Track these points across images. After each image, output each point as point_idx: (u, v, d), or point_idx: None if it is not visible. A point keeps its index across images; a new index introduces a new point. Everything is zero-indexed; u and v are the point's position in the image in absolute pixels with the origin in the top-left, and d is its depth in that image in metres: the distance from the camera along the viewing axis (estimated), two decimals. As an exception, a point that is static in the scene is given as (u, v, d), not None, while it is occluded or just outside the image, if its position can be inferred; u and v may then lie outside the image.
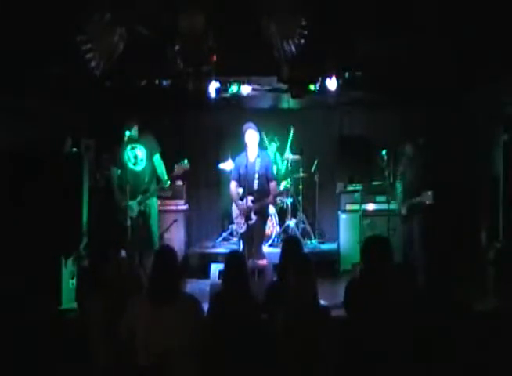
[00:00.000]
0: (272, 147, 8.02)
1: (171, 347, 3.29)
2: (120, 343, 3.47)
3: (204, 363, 3.48)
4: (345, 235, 7.35)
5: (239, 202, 6.13)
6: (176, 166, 5.91)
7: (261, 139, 6.44)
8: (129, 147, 5.99)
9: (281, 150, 8.08)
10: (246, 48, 5.63)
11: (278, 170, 7.92)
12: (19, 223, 5.40)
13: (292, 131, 8.05)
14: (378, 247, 3.75)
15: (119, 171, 6.01)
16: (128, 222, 5.81)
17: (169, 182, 6.07)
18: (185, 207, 7.64)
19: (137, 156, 6.04)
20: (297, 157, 7.93)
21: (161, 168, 6.09)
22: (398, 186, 6.34)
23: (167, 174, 6.02)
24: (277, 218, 7.76)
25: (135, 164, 6.02)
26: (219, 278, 5.21)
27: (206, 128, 8.44)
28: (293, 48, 5.02)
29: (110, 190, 6.07)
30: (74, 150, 6.17)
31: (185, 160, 5.96)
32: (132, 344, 3.36)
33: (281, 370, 3.37)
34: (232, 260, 3.91)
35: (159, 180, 6.09)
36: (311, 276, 3.50)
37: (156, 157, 6.10)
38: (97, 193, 6.55)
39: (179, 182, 7.53)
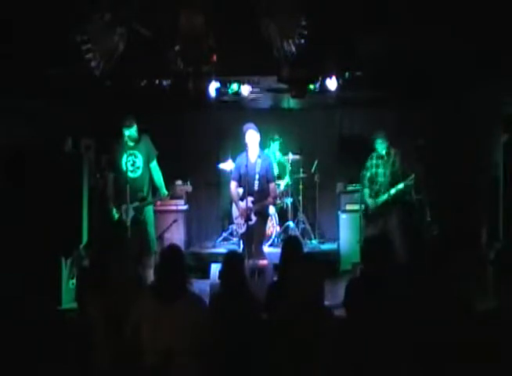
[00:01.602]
0: (275, 147, 8.01)
1: (176, 346, 3.28)
2: (122, 343, 3.46)
3: (204, 363, 3.49)
4: (345, 235, 7.35)
5: (240, 203, 6.13)
6: (179, 186, 6.09)
7: (263, 140, 6.45)
8: (127, 154, 5.94)
9: (283, 150, 8.07)
10: (246, 48, 5.64)
11: (284, 169, 7.94)
12: (19, 223, 5.40)
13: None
14: (378, 247, 3.75)
15: (112, 175, 6.04)
16: (128, 223, 5.84)
17: (168, 197, 6.17)
18: (185, 207, 7.64)
19: (134, 163, 6.02)
20: (297, 157, 7.93)
21: (158, 176, 6.10)
22: (366, 191, 6.46)
23: (166, 185, 6.10)
24: (277, 219, 7.76)
25: (132, 172, 6.00)
26: (219, 278, 5.20)
27: (206, 129, 8.44)
28: (293, 48, 5.02)
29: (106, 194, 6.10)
30: (74, 150, 6.16)
31: (189, 182, 5.98)
32: (136, 343, 3.36)
33: (280, 370, 3.36)
34: (230, 260, 3.91)
35: (155, 187, 6.12)
36: (313, 277, 3.49)
37: (154, 164, 6.10)
38: (97, 193, 6.56)
39: (179, 182, 7.53)
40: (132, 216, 5.92)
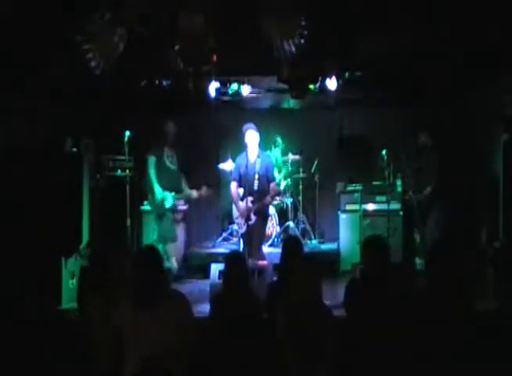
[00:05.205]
0: (277, 148, 8.02)
1: (159, 350, 3.16)
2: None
3: (204, 362, 3.48)
4: (345, 235, 7.34)
5: (239, 203, 6.13)
6: (205, 188, 6.66)
7: (263, 140, 6.46)
8: (166, 147, 6.53)
9: (284, 150, 8.07)
10: (246, 48, 5.63)
11: (284, 170, 7.95)
12: (19, 223, 5.40)
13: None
14: (377, 247, 3.75)
15: (153, 159, 6.45)
16: (128, 222, 5.91)
17: (194, 195, 6.76)
18: (184, 207, 7.63)
19: (173, 156, 6.58)
20: (297, 157, 7.93)
21: (183, 183, 6.73)
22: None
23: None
24: (277, 219, 7.76)
25: (171, 162, 6.56)
26: (219, 278, 5.22)
27: (206, 128, 8.44)
28: (293, 48, 5.01)
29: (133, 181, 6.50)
30: (74, 150, 6.17)
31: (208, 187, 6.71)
32: (120, 345, 3.28)
33: (282, 370, 3.36)
34: (232, 260, 3.91)
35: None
36: (313, 277, 3.50)
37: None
38: (97, 194, 6.57)
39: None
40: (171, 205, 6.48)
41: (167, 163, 6.52)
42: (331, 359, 3.32)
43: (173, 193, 6.47)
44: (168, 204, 6.45)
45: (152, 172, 6.45)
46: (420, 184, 6.65)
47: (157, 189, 6.44)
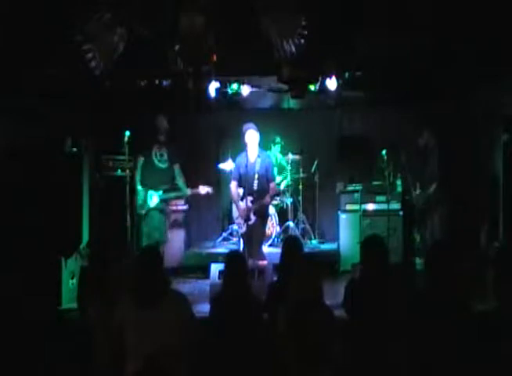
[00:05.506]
0: (276, 148, 8.02)
1: (161, 349, 3.16)
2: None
3: (204, 363, 3.48)
4: (345, 235, 7.33)
5: (240, 203, 6.13)
6: (202, 187, 6.41)
7: (263, 140, 6.46)
8: (156, 145, 6.32)
9: (284, 150, 8.07)
10: (246, 48, 5.64)
11: (283, 169, 7.95)
12: (19, 223, 5.40)
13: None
14: (377, 247, 3.75)
15: (142, 161, 6.33)
16: (128, 222, 5.89)
17: (188, 193, 6.51)
18: (185, 207, 7.64)
19: (163, 154, 6.36)
20: (297, 157, 7.93)
21: (180, 181, 6.47)
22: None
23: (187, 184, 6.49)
24: (277, 219, 7.76)
25: (159, 161, 6.34)
26: (219, 278, 5.22)
27: (206, 128, 8.44)
28: (293, 48, 5.02)
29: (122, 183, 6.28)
30: (74, 149, 6.17)
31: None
32: (122, 346, 3.29)
33: (282, 371, 3.36)
34: (232, 260, 3.91)
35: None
36: (313, 276, 3.49)
37: (177, 168, 6.47)
38: (97, 194, 6.57)
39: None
40: (156, 205, 6.27)
41: (156, 162, 6.34)
42: (336, 360, 3.31)
43: (160, 193, 6.29)
44: (152, 203, 6.27)
45: (138, 173, 6.35)
46: (423, 183, 6.64)
47: (139, 188, 6.31)
